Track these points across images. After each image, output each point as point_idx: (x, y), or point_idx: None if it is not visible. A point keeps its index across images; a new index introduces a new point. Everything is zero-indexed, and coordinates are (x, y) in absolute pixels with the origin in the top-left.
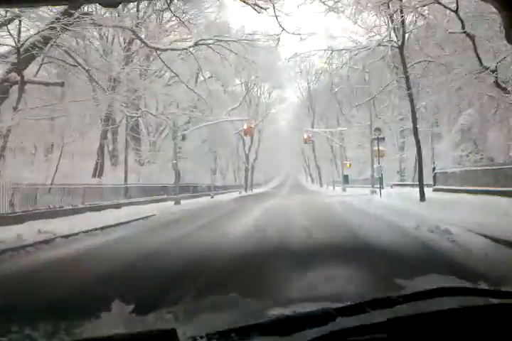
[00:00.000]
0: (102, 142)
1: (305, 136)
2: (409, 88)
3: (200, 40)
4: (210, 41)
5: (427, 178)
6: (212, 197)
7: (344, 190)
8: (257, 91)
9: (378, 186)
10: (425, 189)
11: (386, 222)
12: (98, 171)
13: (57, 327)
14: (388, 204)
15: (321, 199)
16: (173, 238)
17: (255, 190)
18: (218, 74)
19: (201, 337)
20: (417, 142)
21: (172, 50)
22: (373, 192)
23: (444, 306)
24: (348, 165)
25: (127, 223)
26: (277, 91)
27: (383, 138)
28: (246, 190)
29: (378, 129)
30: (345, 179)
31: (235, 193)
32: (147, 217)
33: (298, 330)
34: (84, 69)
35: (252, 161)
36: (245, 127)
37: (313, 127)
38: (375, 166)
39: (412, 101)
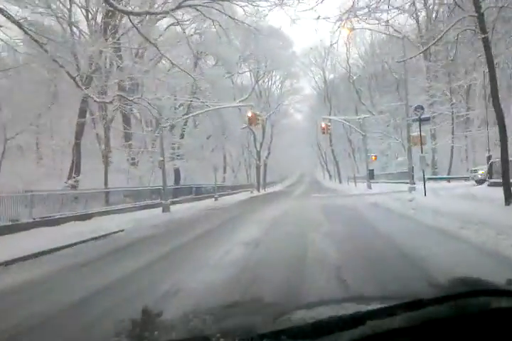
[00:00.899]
0: (77, 137)
1: (322, 125)
2: (483, 30)
3: (184, 1)
4: (197, 2)
5: (456, 170)
6: (216, 200)
7: (370, 186)
8: (268, 81)
9: (414, 181)
10: (464, 183)
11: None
12: (74, 173)
13: None
14: (456, 211)
15: (346, 200)
16: (101, 288)
17: (269, 189)
18: (222, 59)
19: None
20: (501, 119)
21: (149, 14)
22: (412, 189)
23: (474, 308)
24: (374, 157)
25: (65, 248)
26: (290, 81)
27: (427, 119)
28: (258, 190)
29: (420, 107)
30: (371, 174)
31: (245, 193)
32: (108, 234)
33: (327, 334)
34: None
35: (265, 158)
36: (249, 115)
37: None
38: (417, 155)
39: (488, 49)
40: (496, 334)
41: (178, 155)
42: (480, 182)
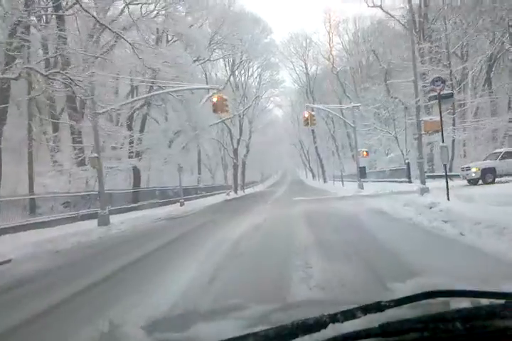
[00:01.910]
0: None
1: (305, 115)
2: None
3: None
4: None
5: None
6: (182, 205)
7: (361, 186)
8: (244, 73)
9: (421, 180)
10: (456, 182)
11: None
12: None
13: None
14: None
15: (338, 206)
16: None
17: (248, 191)
18: (188, 41)
19: None
20: None
21: None
22: (424, 190)
23: (433, 309)
24: (365, 153)
25: None
26: (269, 73)
27: (450, 96)
28: (236, 191)
29: (440, 80)
30: (362, 172)
31: (220, 196)
32: None
33: (291, 338)
34: None
35: (243, 156)
36: (214, 99)
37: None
38: (439, 145)
39: None
40: (455, 334)
41: (137, 153)
42: (473, 182)
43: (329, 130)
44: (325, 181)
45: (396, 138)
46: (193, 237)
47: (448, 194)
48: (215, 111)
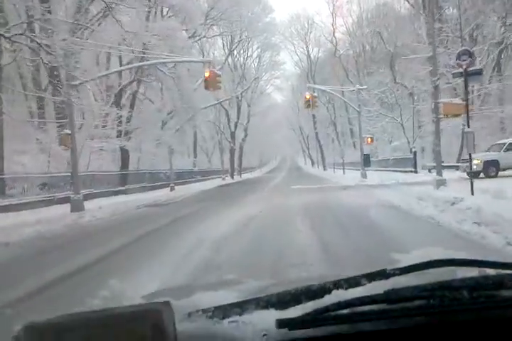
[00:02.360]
0: None
1: (307, 96)
2: None
3: None
4: None
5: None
6: (172, 190)
7: (364, 175)
8: (244, 53)
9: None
10: (455, 174)
11: None
12: None
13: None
14: None
15: (342, 197)
16: None
17: (245, 176)
18: (182, 11)
19: (197, 312)
20: None
21: None
22: (441, 183)
23: (440, 278)
24: (370, 139)
25: None
26: (269, 53)
27: (479, 73)
28: (232, 176)
29: (467, 53)
30: (366, 160)
31: (216, 180)
32: None
33: (294, 304)
34: None
35: (241, 141)
36: (206, 74)
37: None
38: (465, 131)
39: None
40: (462, 302)
41: (126, 133)
42: (473, 175)
43: (330, 116)
44: (324, 168)
45: (402, 125)
46: (167, 234)
47: (472, 188)
48: (206, 87)
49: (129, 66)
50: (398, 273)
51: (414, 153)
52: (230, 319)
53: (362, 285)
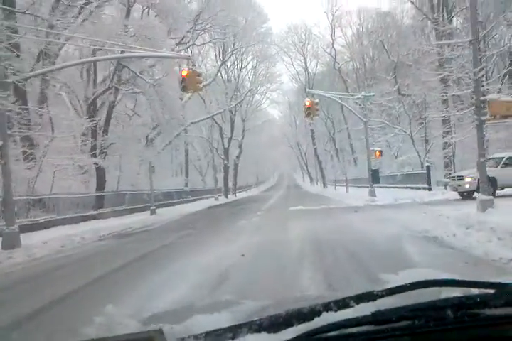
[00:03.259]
0: None
1: (307, 103)
2: None
3: None
4: None
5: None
6: (152, 213)
7: (373, 193)
8: (237, 65)
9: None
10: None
11: None
12: None
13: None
14: None
15: (353, 223)
16: None
17: (240, 195)
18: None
19: (189, 337)
20: None
21: None
22: (487, 205)
23: (425, 298)
24: (377, 153)
25: None
26: (265, 65)
27: None
28: (226, 195)
29: None
30: (375, 176)
31: (208, 201)
32: None
33: (285, 327)
34: None
35: (235, 158)
36: (184, 73)
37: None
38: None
39: None
40: (446, 322)
41: (102, 150)
42: (466, 195)
43: (329, 132)
44: (324, 186)
45: (411, 137)
46: (102, 293)
47: None
48: (184, 88)
49: (97, 58)
50: (385, 294)
51: (428, 168)
52: None
53: (350, 306)
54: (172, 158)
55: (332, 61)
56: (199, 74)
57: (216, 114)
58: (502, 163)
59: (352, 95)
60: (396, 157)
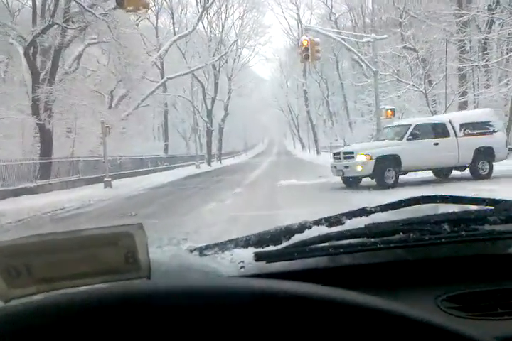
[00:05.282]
0: None
1: (304, 42)
2: None
3: None
4: None
5: None
6: (106, 186)
7: None
8: (221, 11)
9: None
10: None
11: None
12: None
13: None
14: None
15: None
16: None
17: (226, 161)
18: None
19: (170, 239)
20: None
21: None
22: None
23: (421, 214)
24: (389, 112)
25: None
26: (253, 14)
27: None
28: (209, 163)
29: None
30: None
31: (188, 168)
32: None
33: (274, 243)
34: None
35: (220, 121)
36: None
37: (305, 75)
38: None
39: None
40: (442, 236)
41: (47, 106)
42: (352, 181)
43: (322, 93)
44: (318, 152)
45: (425, 94)
46: None
47: None
48: (120, 2)
49: None
50: (379, 209)
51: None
52: (206, 253)
53: (342, 223)
54: (151, 120)
55: (328, 12)
56: None
57: (197, 69)
58: (408, 133)
59: (362, 36)
60: (399, 118)
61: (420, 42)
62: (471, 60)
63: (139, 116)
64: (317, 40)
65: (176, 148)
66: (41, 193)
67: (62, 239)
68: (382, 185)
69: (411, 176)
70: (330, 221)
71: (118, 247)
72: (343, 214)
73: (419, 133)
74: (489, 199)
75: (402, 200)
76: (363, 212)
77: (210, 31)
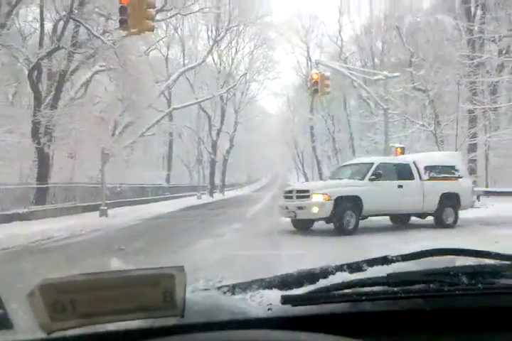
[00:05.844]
0: None
1: (314, 76)
2: None
3: None
4: None
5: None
6: (102, 215)
7: None
8: (232, 44)
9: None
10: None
11: None
12: None
13: None
14: None
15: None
16: None
17: (229, 194)
18: None
19: (207, 281)
20: None
21: None
22: None
23: (439, 265)
24: (399, 150)
25: None
26: (263, 50)
27: None
28: (211, 194)
29: None
30: None
31: (189, 199)
32: None
33: (297, 286)
34: None
35: (225, 153)
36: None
37: (312, 111)
38: None
39: None
40: (460, 288)
41: (48, 130)
42: (301, 224)
43: (328, 130)
44: None
45: (435, 134)
46: None
47: None
48: (123, 22)
49: None
50: (399, 259)
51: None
52: (237, 293)
53: (363, 270)
54: (156, 149)
55: (337, 51)
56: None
57: (204, 100)
58: (370, 173)
59: (374, 73)
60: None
61: (430, 82)
62: (483, 102)
63: (145, 145)
64: (327, 74)
65: (179, 178)
66: (33, 220)
67: (107, 278)
68: (340, 231)
69: (366, 221)
70: (352, 267)
71: (158, 287)
72: (364, 261)
73: (382, 173)
74: (504, 254)
75: (422, 251)
76: (385, 260)
77: (220, 64)
